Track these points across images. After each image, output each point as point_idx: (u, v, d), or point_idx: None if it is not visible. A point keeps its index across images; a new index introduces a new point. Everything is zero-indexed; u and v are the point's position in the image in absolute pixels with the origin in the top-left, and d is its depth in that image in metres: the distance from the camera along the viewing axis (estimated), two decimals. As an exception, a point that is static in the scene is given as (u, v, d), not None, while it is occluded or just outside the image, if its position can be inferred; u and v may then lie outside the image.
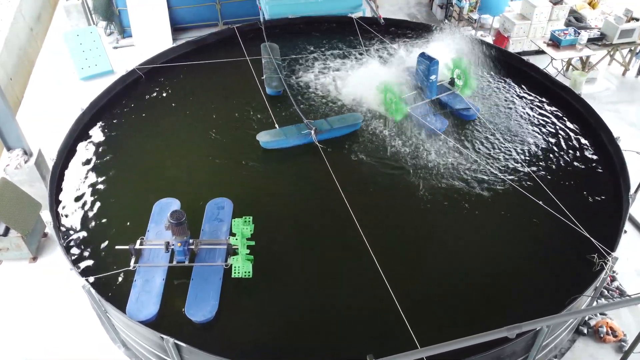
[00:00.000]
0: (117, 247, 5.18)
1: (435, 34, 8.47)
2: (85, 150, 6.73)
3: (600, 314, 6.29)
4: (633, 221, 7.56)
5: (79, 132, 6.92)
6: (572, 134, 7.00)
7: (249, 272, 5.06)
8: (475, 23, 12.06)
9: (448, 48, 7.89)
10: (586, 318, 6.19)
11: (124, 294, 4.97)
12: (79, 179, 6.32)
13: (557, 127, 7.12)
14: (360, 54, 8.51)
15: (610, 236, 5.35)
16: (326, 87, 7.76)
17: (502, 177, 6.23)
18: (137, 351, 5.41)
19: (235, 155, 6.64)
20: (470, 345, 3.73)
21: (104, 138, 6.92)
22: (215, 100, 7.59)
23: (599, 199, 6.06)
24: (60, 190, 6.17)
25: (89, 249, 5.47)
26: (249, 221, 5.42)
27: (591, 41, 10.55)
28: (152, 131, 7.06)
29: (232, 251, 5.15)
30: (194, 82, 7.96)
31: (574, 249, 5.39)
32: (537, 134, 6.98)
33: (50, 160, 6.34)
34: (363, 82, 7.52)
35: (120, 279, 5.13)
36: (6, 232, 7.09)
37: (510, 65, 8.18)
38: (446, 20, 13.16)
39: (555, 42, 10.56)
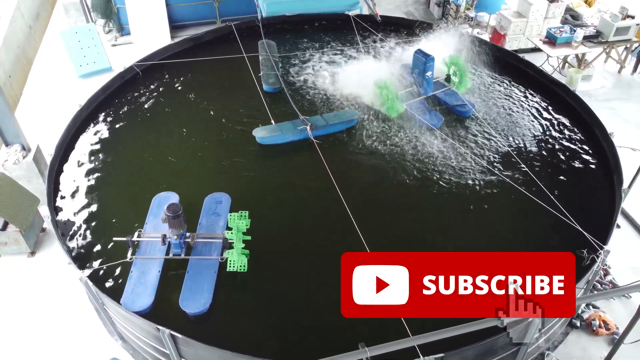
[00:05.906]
0: (114, 238, 5.26)
1: (432, 31, 8.51)
2: (83, 146, 6.77)
3: (593, 307, 6.35)
4: (626, 216, 7.61)
5: (76, 128, 6.96)
6: (566, 130, 7.05)
7: (244, 266, 5.11)
8: (472, 21, 12.11)
9: (444, 45, 7.93)
10: (579, 311, 6.24)
11: (122, 286, 5.02)
12: (77, 174, 6.37)
13: (552, 124, 7.17)
14: (357, 51, 8.56)
15: (603, 230, 5.40)
16: (322, 83, 7.80)
17: (496, 172, 6.28)
18: (134, 343, 5.46)
19: (232, 151, 6.68)
20: (462, 334, 3.78)
21: (101, 134, 6.97)
22: (212, 96, 7.63)
23: (593, 194, 6.11)
24: (58, 185, 6.22)
25: (86, 243, 5.52)
26: (245, 215, 5.47)
27: (587, 39, 10.58)
28: (150, 127, 7.10)
29: (228, 245, 5.21)
30: (191, 78, 8.00)
31: (567, 243, 5.42)
32: (531, 130, 7.03)
33: (48, 155, 6.38)
34: (359, 78, 7.56)
35: (117, 271, 5.18)
36: (5, 227, 7.13)
37: (507, 63, 8.23)
38: (443, 18, 13.21)
39: (551, 40, 10.60)
